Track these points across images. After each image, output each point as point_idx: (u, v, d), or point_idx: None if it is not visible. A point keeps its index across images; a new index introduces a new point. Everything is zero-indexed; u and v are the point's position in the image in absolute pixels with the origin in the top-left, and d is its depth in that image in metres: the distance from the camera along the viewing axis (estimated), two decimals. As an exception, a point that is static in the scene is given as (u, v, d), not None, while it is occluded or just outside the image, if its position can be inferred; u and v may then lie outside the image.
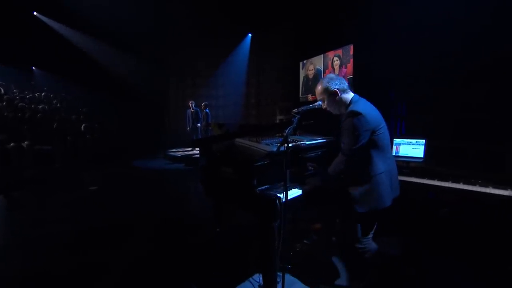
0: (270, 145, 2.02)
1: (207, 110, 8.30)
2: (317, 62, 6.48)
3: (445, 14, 3.21)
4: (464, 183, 2.12)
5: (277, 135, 2.61)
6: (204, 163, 2.47)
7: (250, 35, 9.53)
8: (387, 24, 4.06)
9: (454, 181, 2.17)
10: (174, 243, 2.93)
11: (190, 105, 8.29)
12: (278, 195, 1.80)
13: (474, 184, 2.09)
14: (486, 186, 2.02)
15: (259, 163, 1.87)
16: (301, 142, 2.18)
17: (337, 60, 5.86)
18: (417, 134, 2.69)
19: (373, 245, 1.89)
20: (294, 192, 1.93)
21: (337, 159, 1.81)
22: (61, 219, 3.60)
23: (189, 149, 8.79)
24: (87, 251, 2.78)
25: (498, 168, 2.57)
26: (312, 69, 6.69)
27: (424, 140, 2.62)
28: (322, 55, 6.28)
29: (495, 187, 1.98)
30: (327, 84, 1.85)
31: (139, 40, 8.33)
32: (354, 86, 5.07)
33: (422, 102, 3.52)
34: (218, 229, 2.76)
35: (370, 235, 1.87)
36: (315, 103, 1.98)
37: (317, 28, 6.03)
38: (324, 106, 1.92)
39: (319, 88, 1.89)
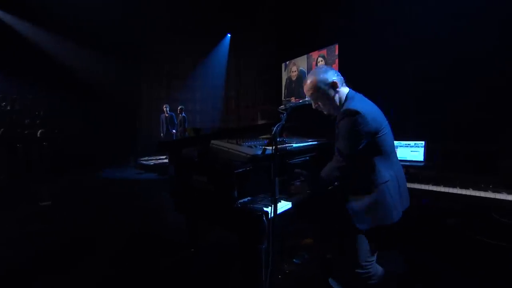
0: (253, 148, 1.72)
1: (184, 115, 7.92)
2: (301, 63, 6.33)
3: (435, 11, 3.13)
4: (474, 188, 1.93)
5: (261, 137, 2.32)
6: (173, 171, 2.12)
7: (229, 35, 9.31)
8: (373, 21, 3.96)
9: (462, 187, 1.98)
10: (140, 265, 2.52)
11: (165, 109, 7.90)
12: (265, 209, 1.49)
13: (485, 189, 1.90)
14: (499, 192, 1.84)
15: (240, 170, 1.55)
16: (291, 145, 1.89)
17: (321, 61, 5.73)
18: (415, 136, 2.50)
19: (378, 269, 1.61)
20: (283, 205, 1.62)
21: (331, 164, 1.55)
22: (2, 242, 3.05)
23: (163, 157, 8.30)
24: (34, 279, 2.31)
25: (495, 171, 2.42)
26: (295, 71, 6.54)
27: (423, 142, 2.43)
28: (305, 56, 6.14)
29: (510, 192, 1.80)
30: (324, 74, 1.58)
31: (108, 36, 7.79)
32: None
33: (412, 104, 3.39)
34: (192, 249, 2.42)
35: (374, 258, 1.59)
36: (305, 99, 1.73)
37: (300, 27, 5.90)
38: (315, 104, 1.65)
39: (307, 82, 1.61)
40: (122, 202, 4.78)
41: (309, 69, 6.10)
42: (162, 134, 7.95)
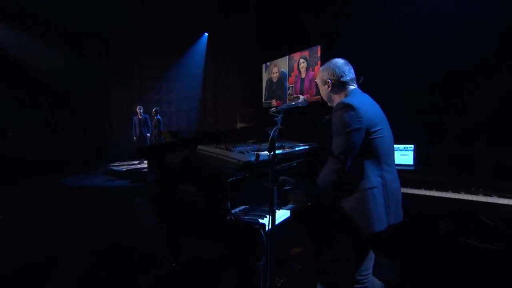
0: (245, 154, 1.62)
1: (159, 117, 7.63)
2: (282, 64, 6.32)
3: (420, 13, 3.19)
4: (466, 192, 1.97)
5: (250, 141, 2.23)
6: (154, 179, 1.95)
7: (206, 34, 9.14)
8: (357, 23, 4.01)
9: (454, 191, 2.01)
10: (112, 286, 2.31)
11: (138, 111, 7.60)
12: (261, 221, 1.40)
13: (476, 193, 1.95)
14: (490, 195, 1.89)
15: (233, 178, 1.44)
16: (289, 150, 1.82)
17: (303, 62, 5.75)
18: (404, 139, 2.53)
19: (376, 283, 1.57)
20: (280, 215, 1.54)
21: (326, 168, 1.47)
22: None
23: (136, 162, 7.93)
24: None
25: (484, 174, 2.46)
26: (276, 72, 6.51)
27: (413, 146, 2.47)
28: (287, 57, 6.13)
29: (500, 196, 1.86)
30: (325, 70, 1.62)
31: (73, 31, 7.32)
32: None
33: (399, 106, 3.45)
34: (174, 264, 2.25)
35: (369, 271, 1.54)
36: (298, 101, 1.67)
37: (282, 28, 5.89)
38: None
39: (317, 73, 1.70)
40: (90, 213, 4.45)
41: (291, 70, 6.10)
42: (135, 138, 7.67)
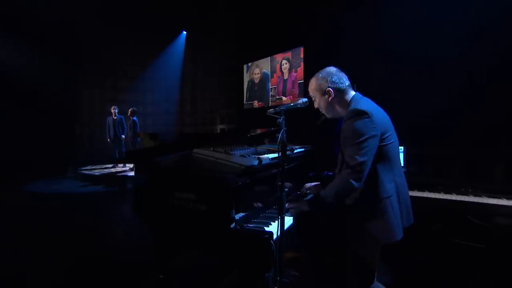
0: (246, 157, 1.54)
1: (135, 118, 7.30)
2: (264, 65, 6.29)
3: (405, 13, 3.26)
4: (457, 193, 2.04)
5: (245, 143, 2.15)
6: (144, 185, 1.81)
7: (185, 32, 8.90)
8: (340, 24, 4.06)
9: (446, 192, 2.07)
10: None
11: (113, 111, 7.24)
12: (266, 229, 1.33)
13: (466, 194, 2.02)
14: (480, 195, 1.96)
15: (237, 184, 1.36)
16: (292, 152, 1.76)
17: (286, 64, 5.75)
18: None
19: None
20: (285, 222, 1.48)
21: (340, 177, 1.41)
22: None
23: (110, 165, 7.52)
24: None
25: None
26: (258, 73, 6.47)
27: (402, 148, 2.51)
28: (269, 58, 6.11)
29: (490, 196, 1.94)
30: (322, 80, 1.55)
31: (41, 27, 6.80)
32: (305, 93, 4.98)
33: (385, 107, 3.51)
34: (161, 275, 2.11)
35: (375, 282, 1.51)
36: (298, 101, 1.61)
37: (264, 28, 5.85)
38: (316, 105, 1.62)
39: (312, 83, 1.60)
40: (63, 222, 4.10)
41: (273, 71, 6.09)
42: (108, 140, 7.30)
